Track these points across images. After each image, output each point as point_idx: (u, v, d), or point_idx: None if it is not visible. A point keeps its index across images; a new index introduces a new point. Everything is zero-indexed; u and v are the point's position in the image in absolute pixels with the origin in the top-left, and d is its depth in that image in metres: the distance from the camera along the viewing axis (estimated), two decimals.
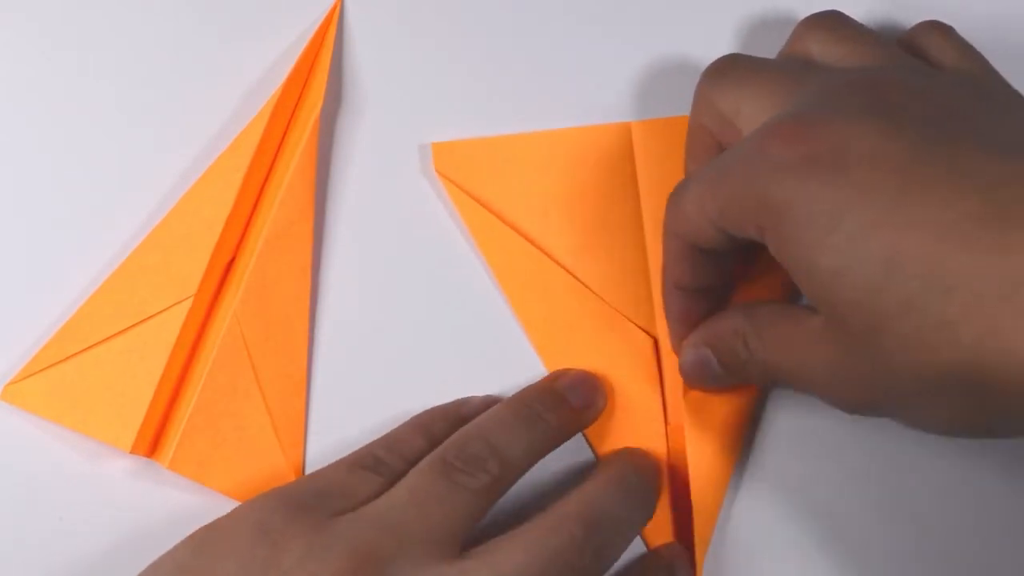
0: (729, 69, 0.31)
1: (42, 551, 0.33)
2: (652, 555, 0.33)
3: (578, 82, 0.35)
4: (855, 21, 0.32)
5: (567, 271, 0.34)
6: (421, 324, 0.34)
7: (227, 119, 0.35)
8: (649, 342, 0.34)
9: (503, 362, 0.34)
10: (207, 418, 0.33)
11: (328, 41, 0.35)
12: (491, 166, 0.35)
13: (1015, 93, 0.30)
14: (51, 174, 0.35)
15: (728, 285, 0.33)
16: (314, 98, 0.35)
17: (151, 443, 0.34)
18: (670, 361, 0.34)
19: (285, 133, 0.35)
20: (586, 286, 0.34)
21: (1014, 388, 0.24)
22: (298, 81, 0.35)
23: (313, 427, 0.34)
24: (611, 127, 0.35)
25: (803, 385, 0.29)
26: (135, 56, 0.35)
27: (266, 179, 0.35)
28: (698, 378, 0.32)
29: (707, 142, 0.31)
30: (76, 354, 0.33)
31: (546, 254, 0.34)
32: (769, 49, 0.33)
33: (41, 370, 0.33)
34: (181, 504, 0.33)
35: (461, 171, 0.35)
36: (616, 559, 0.30)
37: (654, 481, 0.33)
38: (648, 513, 0.32)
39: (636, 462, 0.33)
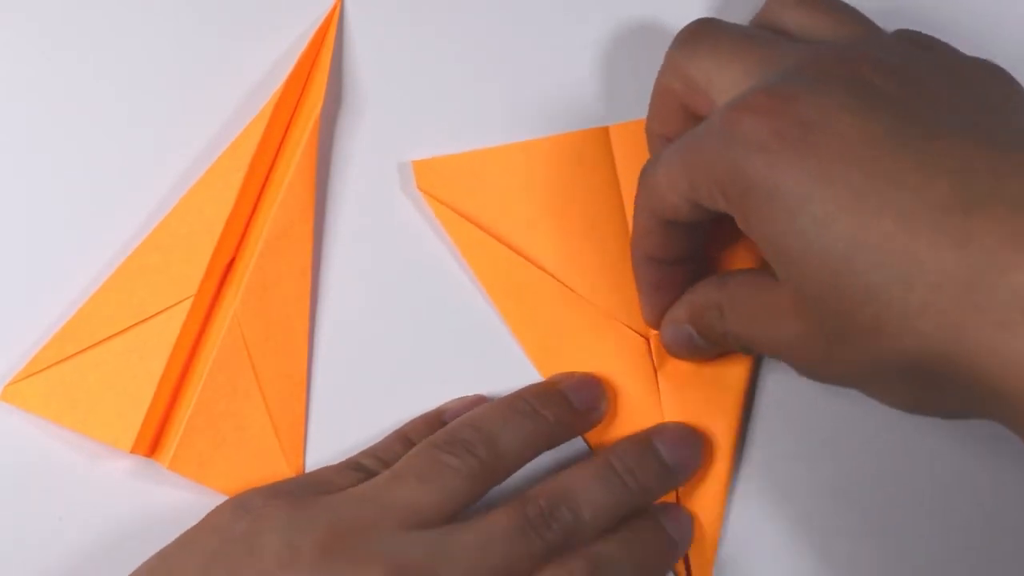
0: (704, 36, 0.30)
1: (42, 551, 0.33)
2: (645, 513, 0.33)
3: (580, 86, 0.35)
4: None
5: (556, 279, 0.34)
6: (421, 324, 0.34)
7: (227, 119, 0.35)
8: (642, 343, 0.34)
9: (503, 360, 0.34)
10: (207, 418, 0.33)
11: (328, 42, 0.35)
12: (473, 180, 0.35)
13: (995, 77, 0.29)
14: (51, 174, 0.35)
15: (701, 255, 0.32)
16: (314, 99, 0.35)
17: (151, 443, 0.34)
18: (665, 362, 0.34)
19: (285, 134, 0.35)
20: (576, 292, 0.34)
21: (972, 379, 0.24)
22: (298, 82, 0.35)
23: (313, 427, 0.34)
24: (590, 132, 0.35)
25: (775, 355, 0.29)
26: (135, 56, 0.35)
27: (266, 180, 0.35)
28: (681, 351, 0.32)
29: (672, 105, 0.31)
30: (76, 354, 0.33)
31: (534, 263, 0.34)
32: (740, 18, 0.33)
33: (41, 370, 0.33)
34: (181, 504, 0.33)
35: (443, 187, 0.34)
36: (591, 535, 0.30)
37: (649, 461, 0.32)
38: (639, 499, 0.32)
39: (630, 447, 0.32)
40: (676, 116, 0.31)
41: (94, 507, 0.33)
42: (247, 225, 0.35)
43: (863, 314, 0.25)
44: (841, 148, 0.25)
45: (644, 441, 0.32)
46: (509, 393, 0.33)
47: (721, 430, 0.33)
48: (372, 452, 0.32)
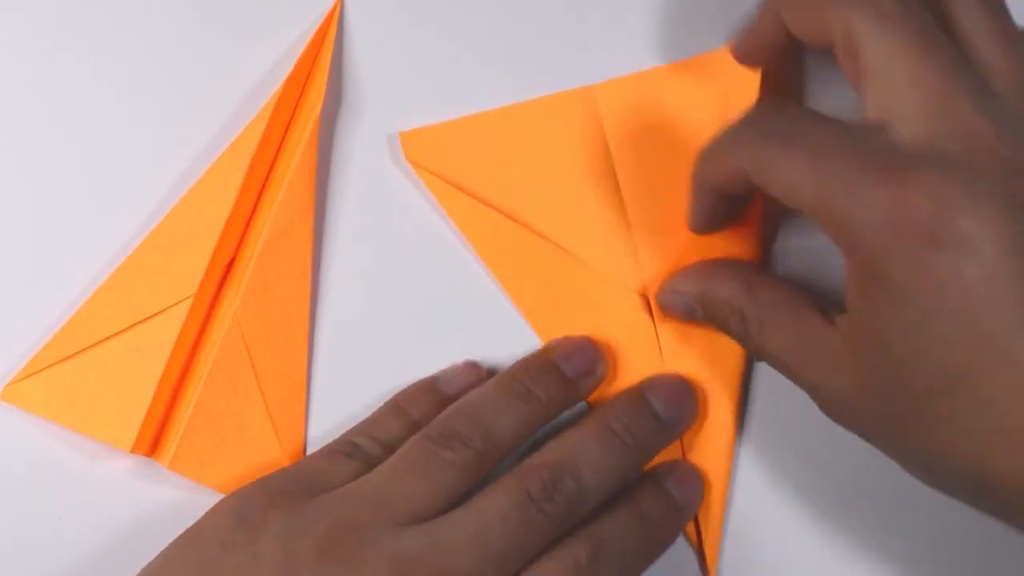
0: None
1: (42, 551, 0.33)
2: (649, 477, 0.33)
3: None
4: None
5: (550, 241, 0.34)
6: (421, 323, 0.34)
7: (227, 119, 0.35)
8: (640, 301, 0.34)
9: (505, 357, 0.34)
10: (207, 418, 0.33)
11: (328, 42, 0.35)
12: (461, 148, 0.35)
13: None
14: (51, 174, 0.35)
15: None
16: (314, 99, 0.35)
17: (151, 443, 0.34)
18: (664, 319, 0.34)
19: (285, 133, 0.35)
20: (570, 253, 0.34)
21: None
22: (298, 81, 0.35)
23: (313, 427, 0.34)
24: (575, 92, 0.35)
25: (798, 383, 0.29)
26: (135, 56, 0.35)
27: (266, 179, 0.35)
28: (675, 316, 0.32)
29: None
30: (76, 354, 0.33)
31: (527, 227, 0.34)
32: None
33: (41, 370, 0.33)
34: (181, 504, 0.33)
35: (432, 157, 0.34)
36: (595, 501, 0.30)
37: (645, 417, 0.32)
38: (640, 457, 0.32)
39: (624, 405, 0.32)
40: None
41: (94, 507, 0.33)
42: (247, 225, 0.35)
43: (939, 406, 0.25)
44: (988, 272, 0.24)
45: (637, 397, 0.32)
46: (502, 372, 0.32)
47: (724, 384, 0.33)
48: (366, 430, 0.32)
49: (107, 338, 0.33)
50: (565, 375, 0.32)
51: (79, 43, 0.35)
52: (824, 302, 0.29)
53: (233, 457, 0.33)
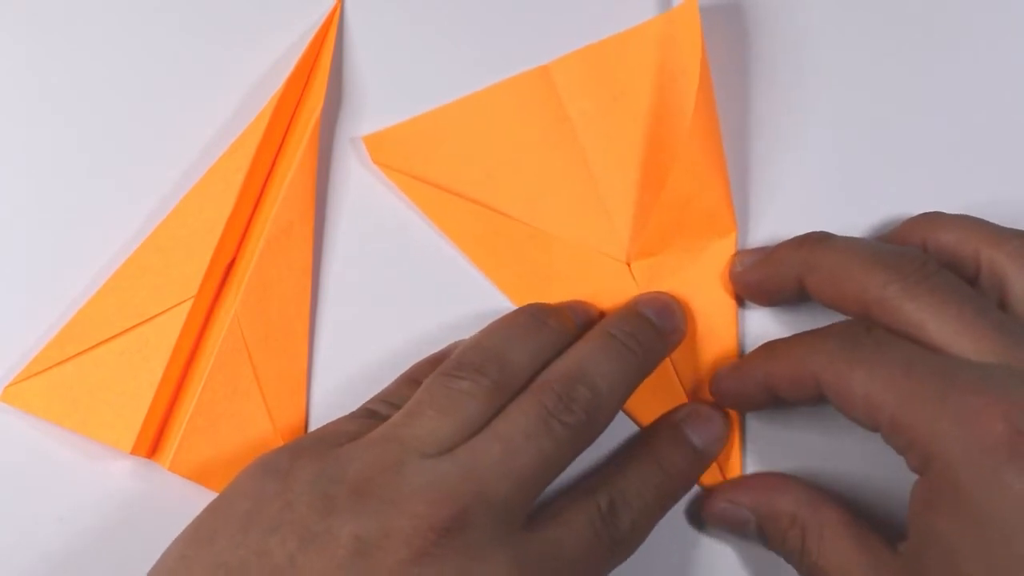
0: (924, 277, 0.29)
1: (42, 551, 0.33)
2: (667, 422, 0.33)
3: None
4: None
5: (524, 223, 0.34)
6: (421, 323, 0.34)
7: (227, 120, 0.35)
8: (623, 268, 0.34)
9: None
10: (208, 419, 0.33)
11: (328, 42, 0.35)
12: (425, 144, 0.35)
13: None
14: (51, 175, 0.35)
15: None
16: (314, 99, 0.35)
17: (152, 444, 0.33)
18: (648, 284, 0.34)
19: (286, 134, 0.35)
20: (546, 232, 0.34)
21: None
22: (298, 82, 0.35)
23: (313, 427, 0.34)
24: (530, 74, 0.35)
25: None
26: (135, 56, 0.35)
27: (267, 180, 0.35)
28: (725, 527, 0.33)
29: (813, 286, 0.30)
30: (77, 355, 0.33)
31: (500, 213, 0.34)
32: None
33: (41, 371, 0.33)
34: (181, 504, 0.33)
35: (399, 157, 0.35)
36: (612, 408, 0.31)
37: (644, 325, 0.33)
38: (645, 362, 0.32)
39: (621, 315, 0.33)
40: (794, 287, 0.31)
41: (94, 507, 0.33)
42: (247, 225, 0.35)
43: None
44: None
45: (632, 307, 0.33)
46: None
47: (724, 334, 0.34)
48: (381, 398, 0.32)
49: (107, 339, 0.33)
50: (569, 316, 0.33)
51: (79, 44, 0.35)
52: (883, 530, 0.29)
53: (233, 458, 0.33)
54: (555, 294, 0.34)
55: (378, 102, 0.35)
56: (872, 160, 0.35)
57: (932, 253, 0.31)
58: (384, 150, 0.35)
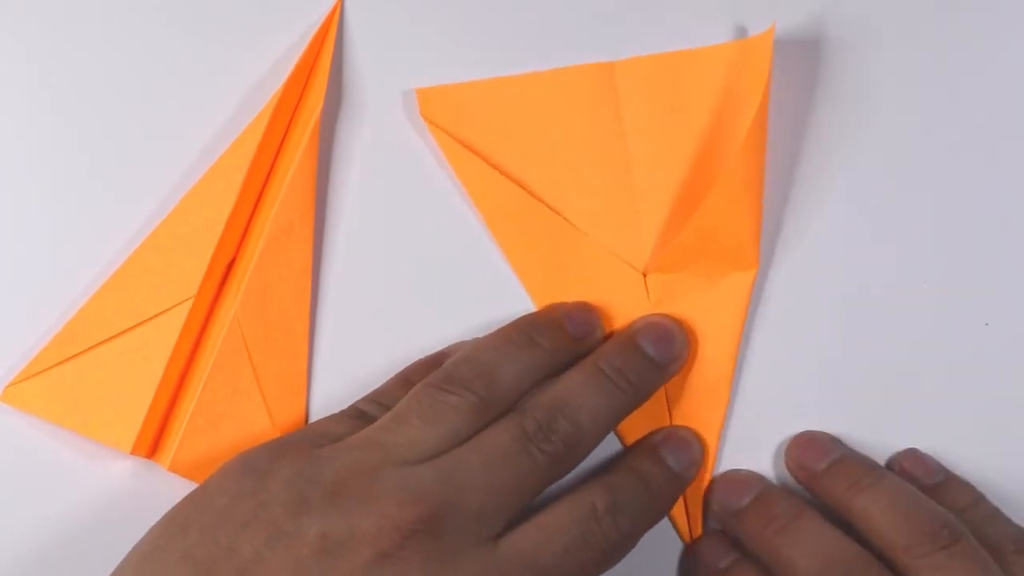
0: None
1: (42, 552, 0.33)
2: (643, 446, 0.33)
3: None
4: None
5: (555, 212, 0.34)
6: (422, 323, 0.34)
7: (227, 119, 0.35)
8: (639, 278, 0.34)
9: None
10: (208, 419, 0.33)
11: (328, 42, 0.35)
12: (476, 110, 0.35)
13: None
14: (51, 175, 0.35)
15: None
16: (315, 99, 0.35)
17: (152, 444, 0.33)
18: (661, 298, 0.34)
19: (286, 134, 0.35)
20: (574, 226, 0.34)
21: None
22: (299, 82, 0.35)
23: None
24: (595, 67, 0.35)
25: None
26: (136, 57, 0.35)
27: (267, 180, 0.35)
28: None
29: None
30: (76, 355, 0.33)
31: (534, 196, 0.34)
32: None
33: (41, 371, 0.33)
34: None
35: (447, 116, 0.35)
36: (592, 441, 0.31)
37: (636, 359, 0.33)
38: (633, 398, 0.32)
39: (614, 348, 0.33)
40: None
41: (94, 507, 0.33)
42: (247, 225, 0.35)
43: None
44: None
45: (628, 340, 0.33)
46: (506, 324, 0.33)
47: (719, 363, 0.34)
48: (372, 397, 0.32)
49: (107, 339, 0.33)
50: (568, 331, 0.33)
51: (79, 44, 0.35)
52: None
53: None
54: (567, 290, 0.34)
55: (378, 102, 0.35)
56: (908, 235, 0.35)
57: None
58: (434, 106, 0.34)
